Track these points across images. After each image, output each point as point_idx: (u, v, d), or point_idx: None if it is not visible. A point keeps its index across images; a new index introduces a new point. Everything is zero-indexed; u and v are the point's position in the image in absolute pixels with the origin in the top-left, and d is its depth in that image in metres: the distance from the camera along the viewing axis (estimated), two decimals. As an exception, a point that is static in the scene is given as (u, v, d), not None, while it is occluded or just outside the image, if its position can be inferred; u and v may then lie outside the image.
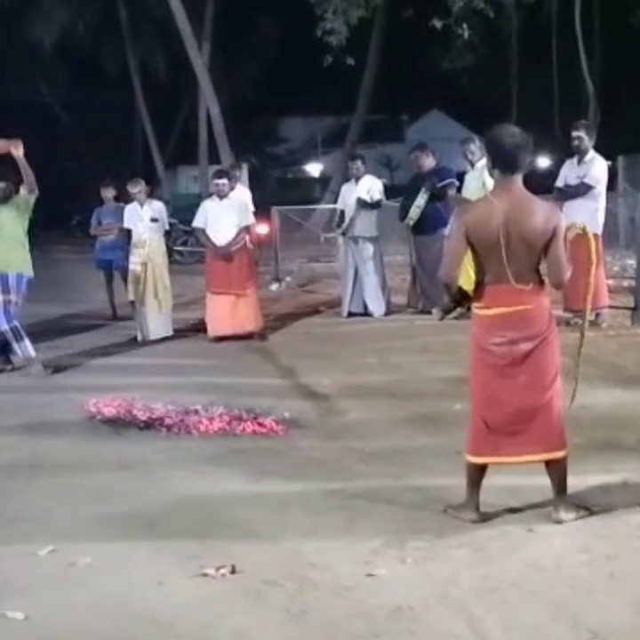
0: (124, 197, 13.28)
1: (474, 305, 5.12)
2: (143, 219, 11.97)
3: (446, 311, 5.91)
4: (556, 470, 5.05)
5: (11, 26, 32.54)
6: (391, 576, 4.44)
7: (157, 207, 12.23)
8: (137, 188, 12.11)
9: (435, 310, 5.66)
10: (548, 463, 5.05)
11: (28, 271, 9.78)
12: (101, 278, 13.88)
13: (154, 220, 11.97)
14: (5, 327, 9.45)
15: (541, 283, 5.03)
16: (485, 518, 5.08)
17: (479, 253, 4.98)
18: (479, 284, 5.04)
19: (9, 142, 9.40)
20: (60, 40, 33.84)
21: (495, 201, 4.98)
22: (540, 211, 4.97)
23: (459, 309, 5.59)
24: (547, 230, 4.91)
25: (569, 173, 10.98)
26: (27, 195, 9.76)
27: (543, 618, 3.97)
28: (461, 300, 5.19)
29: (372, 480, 5.87)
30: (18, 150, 9.38)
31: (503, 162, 5.01)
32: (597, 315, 10.75)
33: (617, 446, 6.31)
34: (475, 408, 5.16)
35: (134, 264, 11.89)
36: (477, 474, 5.13)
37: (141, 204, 12.04)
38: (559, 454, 5.01)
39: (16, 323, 9.56)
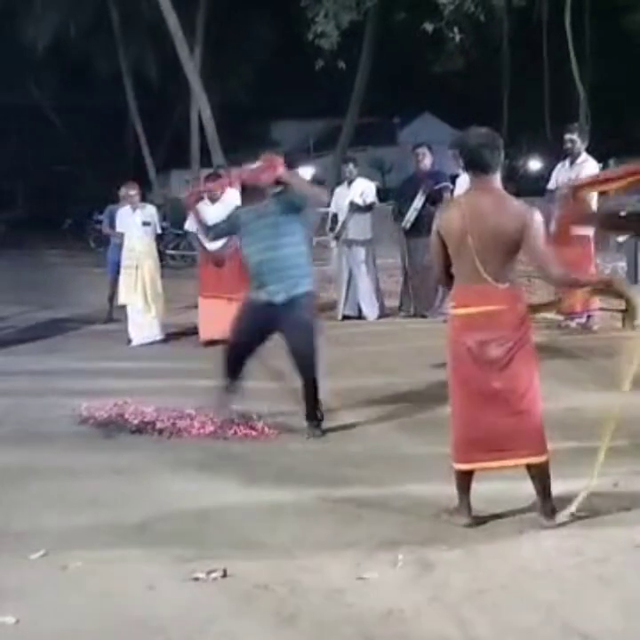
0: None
1: (450, 305, 5.20)
2: (136, 222, 11.98)
3: None
4: (538, 475, 5.06)
5: (2, 29, 32.43)
6: (382, 580, 4.44)
7: (149, 211, 12.24)
8: (134, 190, 12.15)
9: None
10: (529, 468, 5.06)
11: None
12: (93, 281, 13.85)
13: (145, 223, 11.98)
14: None
15: (516, 284, 5.06)
16: (477, 522, 5.09)
17: (450, 253, 5.05)
18: (453, 284, 5.12)
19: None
20: (51, 43, 33.79)
21: (464, 201, 5.06)
22: (510, 209, 4.94)
23: None
24: (516, 228, 4.89)
25: (561, 176, 11.00)
26: None
27: (534, 621, 3.98)
28: None
29: (364, 484, 5.87)
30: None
31: (471, 162, 5.06)
32: (588, 317, 10.79)
33: (607, 449, 6.30)
34: (454, 417, 5.18)
35: (126, 268, 11.89)
36: (465, 479, 5.16)
37: (134, 208, 12.05)
38: (539, 459, 5.01)
39: None
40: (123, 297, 11.97)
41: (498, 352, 4.94)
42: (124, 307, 12.01)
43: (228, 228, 7.85)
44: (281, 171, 7.23)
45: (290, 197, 7.21)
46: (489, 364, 4.96)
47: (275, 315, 7.16)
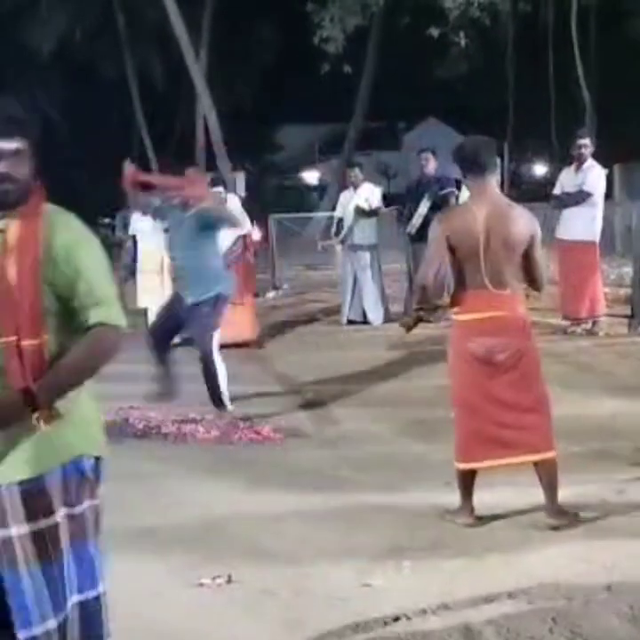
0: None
1: (453, 310, 5.19)
2: (156, 226, 11.92)
3: (409, 325, 5.81)
4: (546, 473, 5.06)
5: (8, 32, 32.48)
6: (388, 586, 4.42)
7: None
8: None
9: (399, 324, 5.46)
10: (537, 466, 5.07)
11: None
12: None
13: (167, 230, 11.90)
14: None
15: (519, 290, 5.15)
16: (481, 525, 5.08)
17: (459, 258, 5.05)
18: (457, 290, 5.13)
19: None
20: (57, 47, 33.83)
21: (474, 207, 5.09)
22: (520, 216, 5.10)
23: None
24: (526, 235, 5.04)
25: (566, 181, 10.99)
26: None
27: (541, 628, 3.96)
28: (435, 307, 5.31)
29: (368, 489, 5.86)
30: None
31: (468, 164, 5.14)
32: (594, 323, 10.77)
33: (613, 455, 6.30)
34: (458, 416, 5.24)
35: (146, 272, 11.78)
36: (468, 479, 5.18)
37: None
38: (547, 455, 5.04)
39: None
40: (147, 300, 11.77)
41: (503, 356, 5.02)
42: (139, 311, 11.85)
43: (161, 216, 8.65)
44: (205, 193, 8.21)
45: (207, 217, 7.87)
46: (495, 368, 5.04)
47: (186, 311, 7.81)
